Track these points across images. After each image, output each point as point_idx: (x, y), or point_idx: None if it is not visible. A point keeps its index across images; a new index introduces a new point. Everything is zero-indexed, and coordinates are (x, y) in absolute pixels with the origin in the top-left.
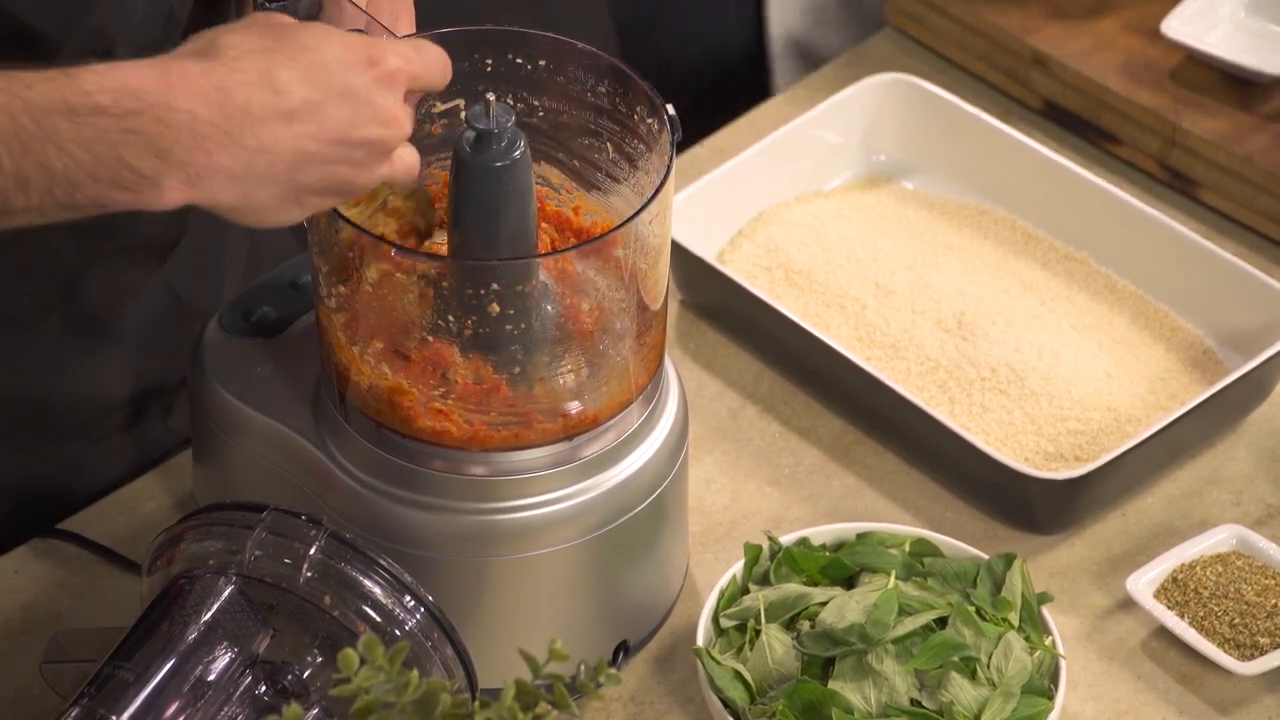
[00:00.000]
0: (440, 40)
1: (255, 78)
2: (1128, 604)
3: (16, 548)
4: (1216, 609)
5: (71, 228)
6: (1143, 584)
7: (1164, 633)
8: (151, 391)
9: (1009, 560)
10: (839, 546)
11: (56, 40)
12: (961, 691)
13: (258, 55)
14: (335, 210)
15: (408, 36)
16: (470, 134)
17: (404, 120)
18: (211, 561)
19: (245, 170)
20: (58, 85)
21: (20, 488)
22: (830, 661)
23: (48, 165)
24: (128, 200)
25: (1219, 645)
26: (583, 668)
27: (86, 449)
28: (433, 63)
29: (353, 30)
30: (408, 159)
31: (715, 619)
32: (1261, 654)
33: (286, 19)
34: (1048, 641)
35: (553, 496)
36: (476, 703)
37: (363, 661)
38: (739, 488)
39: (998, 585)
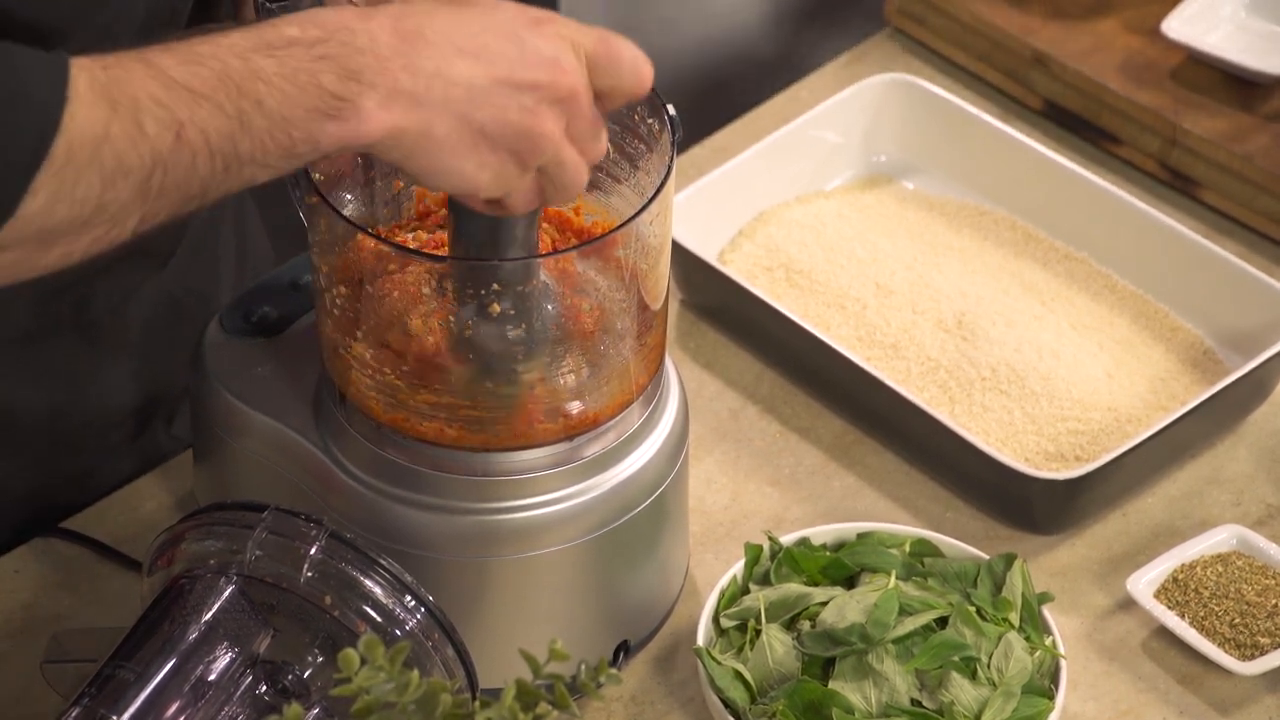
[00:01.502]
0: None
1: (429, 9)
2: (1128, 604)
3: (17, 548)
4: (1217, 609)
5: None
6: (1143, 584)
7: (1164, 633)
8: (156, 399)
9: (1009, 560)
10: (839, 546)
11: (62, 39)
12: (962, 691)
13: (435, 3)
14: (335, 209)
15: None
16: None
17: (570, 70)
18: (212, 561)
19: (424, 93)
20: (254, 30)
21: (31, 498)
22: (830, 661)
23: (262, 103)
24: (336, 131)
25: (1219, 645)
26: (583, 668)
27: (97, 460)
28: (619, 56)
29: None
30: (574, 159)
31: (715, 619)
32: (1262, 654)
33: None
34: (1048, 641)
35: (553, 496)
36: (477, 703)
37: (363, 661)
38: (739, 488)
39: (998, 585)
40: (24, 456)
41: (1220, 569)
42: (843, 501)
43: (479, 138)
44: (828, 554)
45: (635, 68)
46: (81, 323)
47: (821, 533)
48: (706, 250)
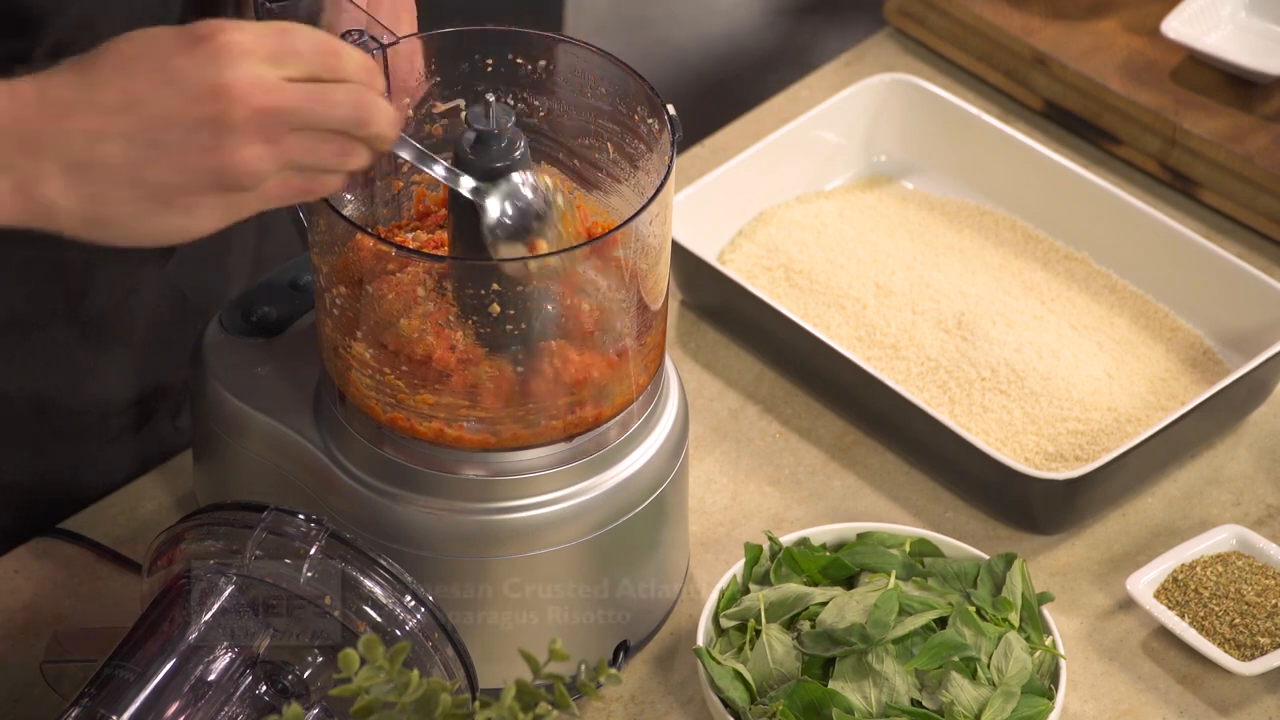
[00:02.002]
0: (440, 40)
1: (73, 78)
2: (1128, 604)
3: (17, 548)
4: (1217, 609)
5: None
6: (1143, 584)
7: (1164, 633)
8: (159, 391)
9: (1009, 560)
10: (839, 546)
11: (40, 27)
12: (962, 691)
13: (89, 56)
14: (334, 209)
15: (405, 37)
16: (470, 135)
17: (241, 88)
18: (212, 561)
19: (80, 171)
20: None
21: (31, 487)
22: (830, 661)
23: None
24: None
25: (1219, 645)
26: (583, 668)
27: (96, 449)
28: (295, 48)
29: (352, 30)
30: (313, 151)
31: (715, 619)
32: (1262, 654)
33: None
34: (1048, 641)
35: (553, 496)
36: (477, 703)
37: (363, 661)
38: (739, 488)
39: (998, 585)
40: (21, 444)
41: (1220, 569)
42: (843, 501)
43: (165, 193)
44: (828, 554)
45: (317, 51)
46: (79, 313)
47: (821, 533)
48: (706, 250)
